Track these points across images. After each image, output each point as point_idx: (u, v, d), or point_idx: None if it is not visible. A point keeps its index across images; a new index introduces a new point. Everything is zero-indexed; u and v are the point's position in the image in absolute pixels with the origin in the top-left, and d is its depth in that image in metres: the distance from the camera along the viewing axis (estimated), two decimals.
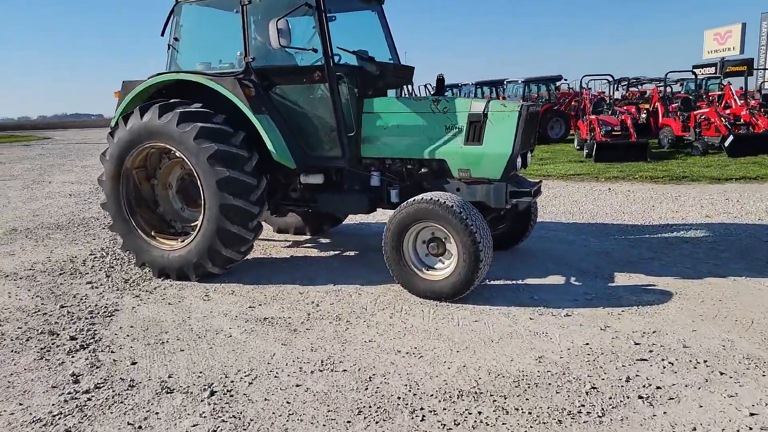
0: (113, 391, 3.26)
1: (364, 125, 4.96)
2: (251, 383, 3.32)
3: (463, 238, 4.19)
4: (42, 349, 3.87)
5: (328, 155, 5.07)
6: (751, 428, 2.72)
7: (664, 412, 2.87)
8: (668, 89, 17.70)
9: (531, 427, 2.80)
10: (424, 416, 2.92)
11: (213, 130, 4.88)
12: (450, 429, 2.81)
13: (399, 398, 3.10)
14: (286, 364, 3.54)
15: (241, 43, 5.03)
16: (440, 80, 5.22)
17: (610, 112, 15.65)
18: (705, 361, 3.39)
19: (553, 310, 4.29)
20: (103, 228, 7.75)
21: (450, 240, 4.37)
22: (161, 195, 5.71)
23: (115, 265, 5.91)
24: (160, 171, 5.65)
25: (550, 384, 3.19)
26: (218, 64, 5.52)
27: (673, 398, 3.00)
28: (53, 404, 3.13)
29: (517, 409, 2.95)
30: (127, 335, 4.10)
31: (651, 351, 3.55)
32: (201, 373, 3.46)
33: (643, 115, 17.82)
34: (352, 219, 7.65)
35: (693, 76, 19.97)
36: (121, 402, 3.14)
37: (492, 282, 4.91)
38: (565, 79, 22.30)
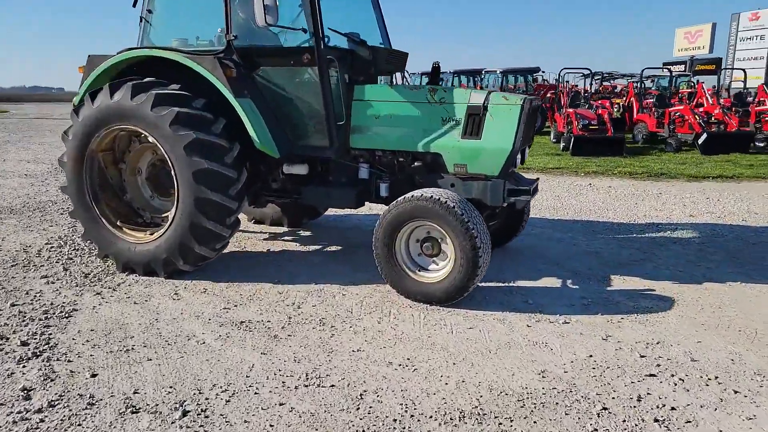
0: (70, 410, 2.86)
1: (354, 114, 4.61)
2: (228, 401, 2.97)
3: (462, 242, 3.90)
4: None
5: (314, 144, 4.70)
6: None
7: None
8: (642, 85, 17.75)
9: None
10: None
11: (191, 115, 4.45)
12: None
13: (395, 420, 2.80)
14: (267, 378, 3.20)
15: (223, 19, 4.59)
16: (435, 68, 4.88)
17: (587, 106, 15.61)
18: (716, 378, 3.20)
19: (550, 316, 4.06)
20: (62, 213, 7.20)
21: (447, 241, 4.08)
22: (129, 181, 5.25)
23: (74, 257, 5.43)
24: (129, 155, 5.19)
25: (557, 404, 2.94)
26: (196, 41, 5.07)
27: (690, 421, 2.79)
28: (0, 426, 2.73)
29: None
30: (87, 340, 3.68)
31: (659, 365, 3.34)
32: (171, 387, 3.09)
33: (615, 109, 17.90)
34: (332, 210, 7.29)
35: (668, 73, 20.11)
36: (79, 424, 2.75)
37: (483, 283, 4.65)
38: (543, 71, 22.22)
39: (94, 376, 3.21)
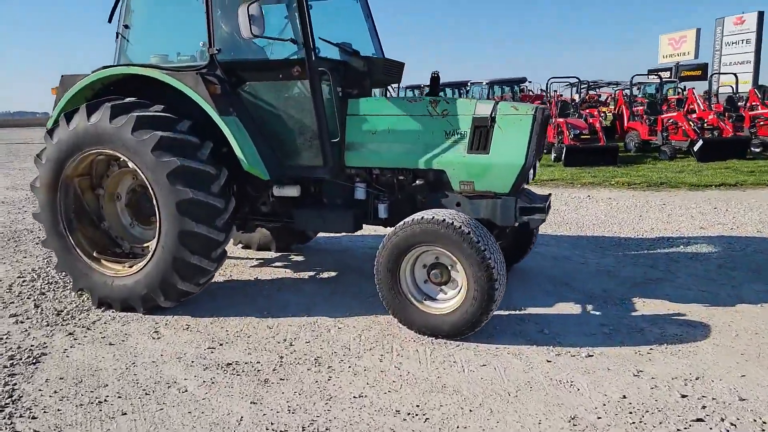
0: None
1: (349, 130, 4.24)
2: None
3: (476, 272, 3.51)
4: None
5: (307, 164, 4.32)
6: None
7: None
8: (632, 92, 17.58)
9: None
10: None
11: (175, 140, 4.06)
12: None
13: None
14: None
15: (205, 33, 4.22)
16: (435, 78, 4.52)
17: (576, 116, 15.39)
18: None
19: (571, 348, 3.68)
20: (37, 243, 6.74)
21: (457, 269, 3.70)
22: (107, 208, 4.84)
23: (46, 291, 4.98)
24: (107, 179, 4.78)
25: None
26: (177, 57, 4.70)
27: None
28: None
29: None
30: (55, 392, 3.25)
31: (704, 407, 2.95)
32: None
33: (603, 117, 17.71)
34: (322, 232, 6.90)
35: (658, 80, 20.00)
36: None
37: None
38: (530, 81, 22.09)
39: None
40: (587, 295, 4.70)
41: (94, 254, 4.63)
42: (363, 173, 4.38)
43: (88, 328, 4.16)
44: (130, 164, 4.22)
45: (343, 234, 6.78)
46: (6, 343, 3.93)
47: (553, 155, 14.07)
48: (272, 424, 2.89)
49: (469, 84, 21.92)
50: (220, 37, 4.32)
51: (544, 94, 18.01)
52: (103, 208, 4.83)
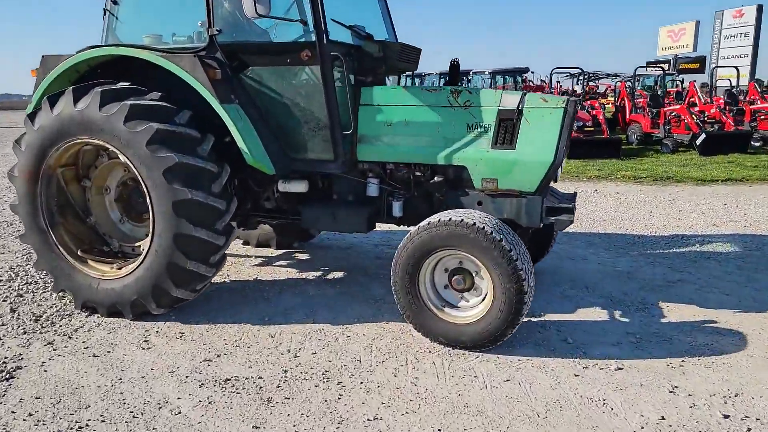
0: None
1: (362, 121, 3.89)
2: None
3: (506, 283, 3.19)
4: None
5: (316, 158, 3.96)
6: None
7: None
8: (633, 84, 17.32)
9: None
10: None
11: (173, 134, 3.68)
12: None
13: None
14: None
15: (203, 11, 3.83)
16: (454, 65, 4.17)
17: (579, 107, 15.10)
18: None
19: (599, 361, 3.39)
20: (16, 238, 6.34)
21: (482, 276, 3.38)
22: (94, 201, 4.45)
23: (25, 293, 4.61)
24: (95, 170, 4.40)
25: None
26: (172, 38, 4.32)
27: None
28: None
29: None
30: (30, 414, 2.90)
31: (749, 429, 2.69)
32: None
33: (603, 109, 17.46)
34: None
35: (661, 71, 19.74)
36: None
37: None
38: (532, 72, 21.75)
39: None
40: (608, 299, 4.42)
41: (79, 253, 4.26)
42: (376, 168, 4.03)
43: (70, 337, 3.80)
44: (122, 157, 3.85)
45: None
46: None
47: None
48: None
49: (471, 73, 21.46)
50: (221, 17, 3.93)
51: (546, 84, 17.67)
52: (90, 202, 4.45)
